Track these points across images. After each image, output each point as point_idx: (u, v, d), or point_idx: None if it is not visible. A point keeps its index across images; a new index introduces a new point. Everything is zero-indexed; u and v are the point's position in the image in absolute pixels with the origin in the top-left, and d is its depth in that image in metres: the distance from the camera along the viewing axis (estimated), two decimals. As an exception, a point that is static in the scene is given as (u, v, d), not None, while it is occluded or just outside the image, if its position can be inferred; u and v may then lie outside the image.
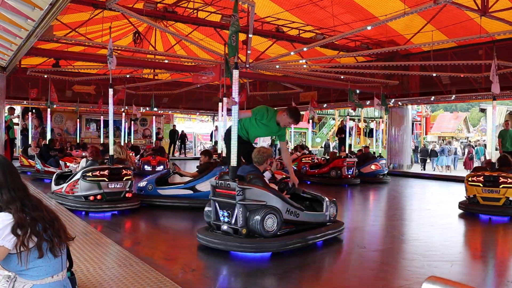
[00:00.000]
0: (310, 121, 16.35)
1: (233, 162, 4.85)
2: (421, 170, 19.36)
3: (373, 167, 13.17)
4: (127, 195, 7.22)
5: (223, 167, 7.59)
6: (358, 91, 15.85)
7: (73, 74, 17.66)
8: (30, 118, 16.09)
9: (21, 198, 1.99)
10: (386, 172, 13.57)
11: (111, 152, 7.48)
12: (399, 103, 16.45)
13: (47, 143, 12.44)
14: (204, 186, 7.57)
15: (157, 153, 14.20)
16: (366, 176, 12.84)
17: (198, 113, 26.16)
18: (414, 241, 5.75)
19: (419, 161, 22.15)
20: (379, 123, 20.53)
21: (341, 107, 22.29)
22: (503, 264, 4.94)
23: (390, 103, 16.53)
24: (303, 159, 13.28)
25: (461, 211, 7.73)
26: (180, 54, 15.34)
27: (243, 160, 5.47)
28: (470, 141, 29.82)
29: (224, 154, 8.58)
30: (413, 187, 12.86)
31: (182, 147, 24.17)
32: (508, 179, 7.17)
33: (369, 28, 9.91)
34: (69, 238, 2.10)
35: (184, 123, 34.54)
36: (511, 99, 19.78)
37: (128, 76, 17.58)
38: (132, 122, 20.69)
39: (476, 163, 19.43)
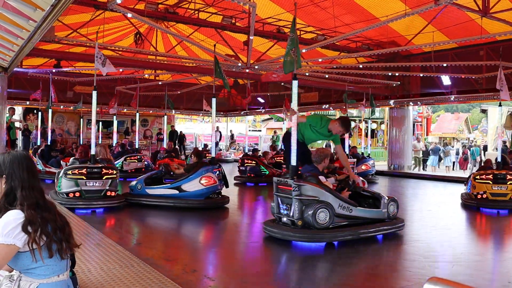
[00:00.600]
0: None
1: (293, 161, 5.46)
2: (422, 170, 19.27)
3: (363, 167, 13.41)
4: (108, 193, 7.30)
5: (209, 167, 7.68)
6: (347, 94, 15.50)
7: (75, 75, 17.67)
8: (39, 118, 16.20)
9: (37, 198, 2.02)
10: (374, 172, 13.87)
11: (92, 151, 7.66)
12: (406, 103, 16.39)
13: (49, 143, 12.46)
14: (189, 186, 7.61)
15: (172, 155, 13.81)
16: (359, 175, 12.93)
17: (201, 114, 26.15)
18: (415, 242, 5.75)
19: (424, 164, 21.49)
20: (380, 124, 20.46)
21: (341, 107, 22.15)
22: (504, 265, 4.94)
23: (391, 104, 16.52)
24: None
25: (463, 210, 7.87)
26: (181, 55, 15.35)
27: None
28: (471, 141, 29.71)
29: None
30: (414, 188, 12.83)
31: (181, 148, 24.14)
32: (515, 176, 7.85)
33: (371, 27, 9.90)
34: (75, 245, 2.12)
35: (185, 123, 34.55)
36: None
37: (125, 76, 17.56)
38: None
39: (471, 164, 19.38)
